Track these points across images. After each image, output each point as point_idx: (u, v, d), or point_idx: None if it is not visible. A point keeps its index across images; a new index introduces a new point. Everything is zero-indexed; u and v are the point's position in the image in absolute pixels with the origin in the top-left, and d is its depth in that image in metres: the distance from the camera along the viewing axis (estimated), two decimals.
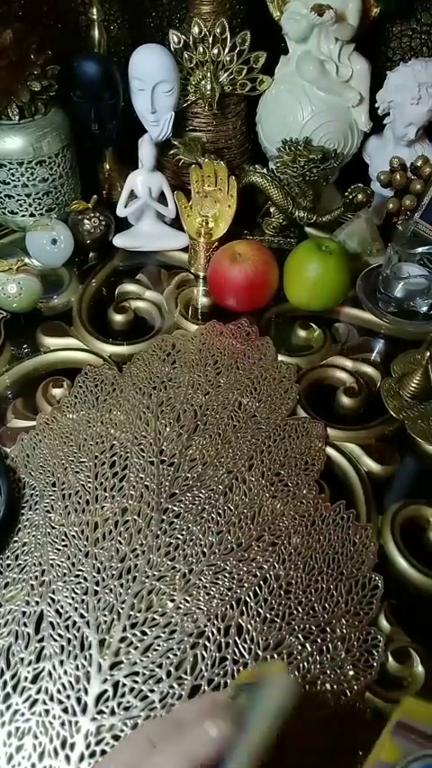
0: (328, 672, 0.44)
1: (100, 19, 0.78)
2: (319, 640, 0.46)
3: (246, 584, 0.49)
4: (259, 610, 0.47)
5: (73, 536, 0.52)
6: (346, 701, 0.43)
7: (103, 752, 0.41)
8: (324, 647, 0.46)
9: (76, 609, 0.47)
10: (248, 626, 0.47)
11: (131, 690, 0.43)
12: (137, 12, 0.87)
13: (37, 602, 0.48)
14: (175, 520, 0.53)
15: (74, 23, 0.85)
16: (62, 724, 0.42)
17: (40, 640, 0.46)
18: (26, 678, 0.44)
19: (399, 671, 0.45)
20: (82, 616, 0.47)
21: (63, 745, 0.41)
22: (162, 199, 0.79)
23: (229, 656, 0.45)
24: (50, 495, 0.54)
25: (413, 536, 0.53)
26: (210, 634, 0.46)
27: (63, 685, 0.43)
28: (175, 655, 0.45)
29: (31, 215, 0.79)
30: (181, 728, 0.30)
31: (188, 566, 0.50)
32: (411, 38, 0.84)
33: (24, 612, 0.47)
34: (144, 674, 0.44)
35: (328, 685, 0.44)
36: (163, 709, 0.42)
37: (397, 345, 0.70)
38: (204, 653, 0.45)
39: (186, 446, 0.58)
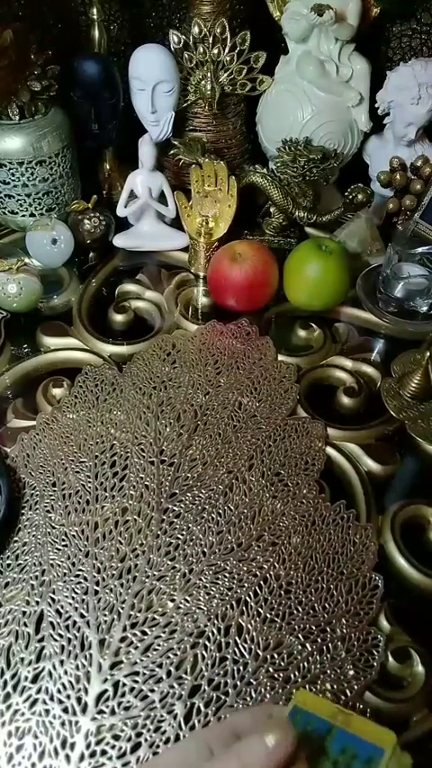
0: (328, 672, 0.44)
1: (100, 19, 0.78)
2: (319, 640, 0.46)
3: (246, 584, 0.49)
4: (259, 610, 0.47)
5: (73, 536, 0.52)
6: (345, 701, 0.43)
7: (104, 752, 0.41)
8: (324, 647, 0.46)
9: (76, 609, 0.47)
10: (248, 626, 0.47)
11: (132, 689, 0.43)
12: (137, 12, 0.87)
13: (37, 602, 0.48)
14: (176, 520, 0.53)
15: (74, 23, 0.85)
16: (62, 724, 0.42)
17: (41, 640, 0.46)
18: (26, 678, 0.44)
19: (399, 671, 0.45)
20: (82, 616, 0.47)
21: (63, 744, 0.41)
22: (162, 199, 0.79)
23: (229, 656, 0.45)
24: (50, 495, 0.54)
25: (413, 536, 0.53)
26: (210, 634, 0.46)
27: (63, 685, 0.43)
28: (176, 654, 0.45)
29: (31, 215, 0.79)
30: (238, 738, 0.29)
31: (188, 565, 0.50)
32: (411, 38, 0.84)
33: (24, 612, 0.47)
34: (144, 674, 0.44)
35: (328, 685, 0.44)
36: (163, 708, 0.42)
37: (397, 345, 0.70)
38: (204, 653, 0.45)
39: (186, 446, 0.58)
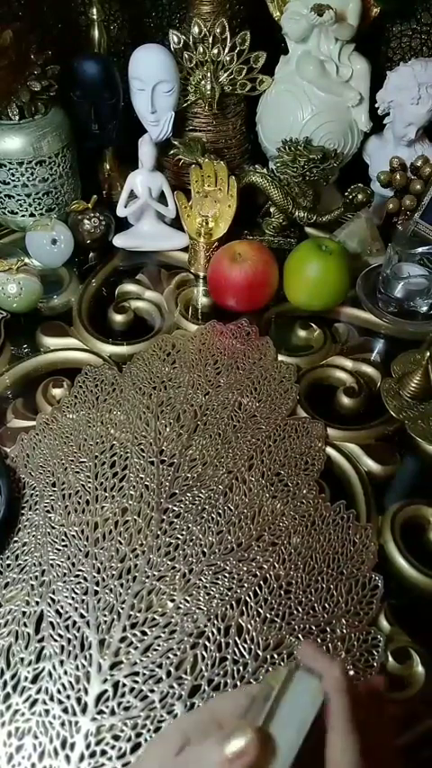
0: None
1: (100, 19, 0.78)
2: (319, 640, 0.46)
3: (246, 584, 0.49)
4: (259, 610, 0.47)
5: (73, 536, 0.52)
6: None
7: (104, 752, 0.41)
8: (324, 647, 0.46)
9: (76, 609, 0.47)
10: (248, 626, 0.47)
11: (131, 690, 0.43)
12: (137, 12, 0.87)
13: (37, 602, 0.48)
14: (175, 520, 0.53)
15: (74, 23, 0.85)
16: (62, 724, 0.42)
17: (40, 640, 0.46)
18: (26, 678, 0.44)
19: (399, 671, 0.45)
20: (82, 616, 0.47)
21: (63, 745, 0.41)
22: (162, 199, 0.79)
23: (229, 656, 0.45)
24: (50, 495, 0.54)
25: (413, 536, 0.53)
26: (210, 634, 0.46)
27: (63, 685, 0.43)
28: (175, 655, 0.45)
29: (31, 215, 0.79)
30: (217, 726, 0.29)
31: (188, 566, 0.50)
32: (411, 38, 0.84)
33: (24, 612, 0.47)
34: (144, 674, 0.44)
35: None
36: (163, 709, 0.42)
37: (397, 345, 0.70)
38: (204, 653, 0.45)
39: (186, 446, 0.58)
